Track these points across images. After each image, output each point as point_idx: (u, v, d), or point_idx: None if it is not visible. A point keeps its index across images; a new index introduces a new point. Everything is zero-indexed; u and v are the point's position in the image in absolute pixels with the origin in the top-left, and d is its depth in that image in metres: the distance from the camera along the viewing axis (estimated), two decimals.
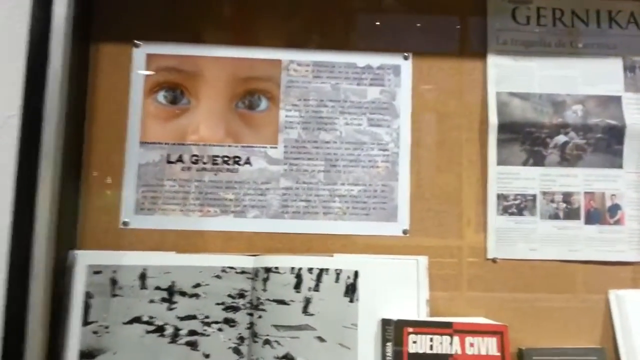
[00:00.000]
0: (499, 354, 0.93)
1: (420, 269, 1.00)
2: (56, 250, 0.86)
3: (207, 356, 0.95)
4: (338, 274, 0.98)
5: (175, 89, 1.05)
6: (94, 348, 0.94)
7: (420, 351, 0.92)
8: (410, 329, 0.93)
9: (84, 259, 0.96)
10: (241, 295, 0.98)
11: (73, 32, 0.88)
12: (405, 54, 1.09)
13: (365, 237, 1.05)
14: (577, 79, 1.10)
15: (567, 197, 1.08)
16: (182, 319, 0.96)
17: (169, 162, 1.04)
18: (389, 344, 0.93)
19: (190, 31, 1.07)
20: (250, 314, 0.97)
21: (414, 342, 0.92)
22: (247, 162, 1.05)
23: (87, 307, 0.94)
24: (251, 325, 0.97)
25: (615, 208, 1.08)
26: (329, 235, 1.05)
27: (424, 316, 0.98)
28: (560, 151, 1.08)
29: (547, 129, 1.08)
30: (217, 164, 1.04)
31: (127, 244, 1.01)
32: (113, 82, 1.04)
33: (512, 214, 1.07)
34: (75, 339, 0.93)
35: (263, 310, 0.96)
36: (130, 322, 0.95)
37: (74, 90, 0.93)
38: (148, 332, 0.95)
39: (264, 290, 0.97)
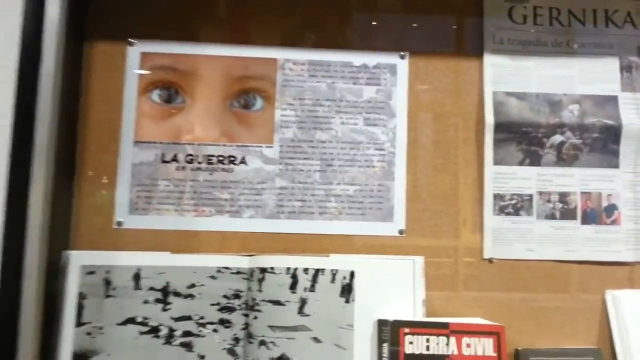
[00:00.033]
0: (495, 354, 0.92)
1: (416, 269, 1.00)
2: (49, 251, 0.86)
3: (202, 357, 0.95)
4: (334, 274, 0.97)
5: (169, 88, 1.05)
6: (88, 349, 0.93)
7: (417, 352, 0.92)
8: (407, 330, 0.93)
9: (78, 259, 0.95)
10: (236, 295, 0.97)
11: (66, 30, 0.88)
12: (402, 53, 1.09)
13: (361, 237, 1.04)
14: (574, 78, 1.10)
15: (563, 197, 1.07)
16: (176, 319, 0.95)
17: (164, 161, 1.03)
18: (385, 344, 0.92)
19: (185, 29, 1.06)
20: (246, 315, 0.97)
21: (411, 342, 0.92)
22: (243, 161, 1.04)
23: (80, 308, 0.94)
24: (246, 326, 0.96)
25: (611, 208, 1.08)
26: (325, 235, 1.04)
27: (420, 317, 0.98)
28: (556, 151, 1.08)
29: (543, 129, 1.08)
30: (212, 163, 1.04)
31: (121, 244, 1.01)
32: (107, 81, 1.04)
33: (508, 214, 1.06)
34: (68, 340, 0.93)
35: (258, 310, 0.96)
36: (124, 323, 0.94)
37: (67, 89, 0.93)
38: (142, 333, 0.94)
39: (260, 290, 0.97)
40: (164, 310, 0.95)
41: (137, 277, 0.96)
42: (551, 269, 1.06)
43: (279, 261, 0.98)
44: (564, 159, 1.08)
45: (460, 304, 1.04)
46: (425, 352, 0.92)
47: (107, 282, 0.95)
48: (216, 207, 1.03)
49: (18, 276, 0.82)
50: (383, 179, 1.06)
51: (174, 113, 1.04)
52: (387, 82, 1.08)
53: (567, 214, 1.07)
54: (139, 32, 1.05)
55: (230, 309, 0.97)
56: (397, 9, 1.10)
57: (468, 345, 0.92)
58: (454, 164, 1.08)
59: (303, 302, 0.96)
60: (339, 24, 1.09)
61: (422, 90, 1.09)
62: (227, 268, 0.98)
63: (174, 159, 1.03)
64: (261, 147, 1.05)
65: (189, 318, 0.96)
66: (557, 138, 1.08)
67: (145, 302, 0.95)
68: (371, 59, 1.08)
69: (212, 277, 0.97)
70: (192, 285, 0.97)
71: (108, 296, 0.95)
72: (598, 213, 1.08)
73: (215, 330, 0.96)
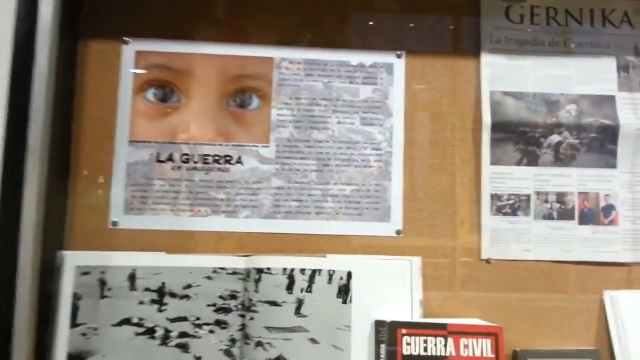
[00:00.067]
0: (493, 355, 0.92)
1: (413, 270, 0.99)
2: (43, 251, 0.85)
3: (198, 358, 0.94)
4: (331, 275, 0.97)
5: (165, 87, 1.04)
6: (83, 350, 0.92)
7: (415, 353, 0.91)
8: (404, 331, 0.92)
9: (72, 260, 0.95)
10: (233, 296, 0.97)
11: (60, 29, 0.87)
12: (398, 52, 1.08)
13: (358, 238, 1.04)
14: (571, 78, 1.10)
15: (561, 197, 1.07)
16: (172, 320, 0.95)
17: (159, 161, 1.03)
18: (382, 345, 0.92)
19: (180, 28, 1.05)
20: (242, 316, 0.96)
21: (408, 343, 0.92)
22: (239, 161, 1.04)
23: (75, 309, 0.93)
24: (243, 327, 0.96)
25: (609, 208, 1.08)
26: (322, 236, 1.04)
27: (417, 317, 0.97)
28: (554, 151, 1.08)
29: (540, 129, 1.07)
30: (207, 163, 1.03)
31: (116, 244, 1.00)
32: (101, 80, 1.03)
33: (506, 214, 1.06)
34: (63, 341, 0.92)
35: (255, 311, 0.95)
36: (120, 324, 0.94)
37: (61, 89, 0.92)
38: (138, 334, 0.94)
39: (256, 291, 0.96)
40: (160, 311, 0.95)
41: (132, 278, 0.95)
42: (549, 270, 1.06)
43: (276, 261, 0.97)
44: (562, 159, 1.08)
45: (458, 305, 1.04)
46: (423, 353, 0.91)
47: (102, 283, 0.94)
48: (212, 207, 1.03)
49: (12, 277, 0.81)
50: (380, 179, 1.05)
51: (169, 112, 1.04)
52: (384, 81, 1.08)
53: (565, 214, 1.07)
54: (134, 31, 1.04)
55: (227, 310, 0.96)
56: (394, 9, 1.09)
57: (466, 346, 0.92)
58: (451, 163, 1.07)
59: (300, 302, 0.96)
60: (336, 23, 1.09)
61: (419, 90, 1.09)
62: (223, 268, 0.97)
63: (170, 159, 1.03)
64: (257, 146, 1.04)
65: (185, 319, 0.95)
66: (555, 138, 1.08)
67: (141, 302, 0.95)
68: (368, 58, 1.08)
69: (208, 277, 0.97)
70: (188, 286, 0.96)
71: (103, 297, 0.94)
72: (595, 213, 1.08)
73: (211, 331, 0.95)
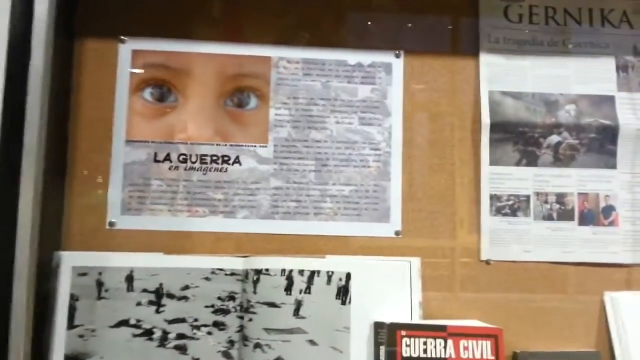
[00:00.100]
0: (493, 357, 0.92)
1: (413, 271, 0.99)
2: (40, 252, 0.84)
3: None
4: (330, 276, 0.97)
5: (162, 86, 1.03)
6: (80, 352, 0.92)
7: (414, 355, 0.91)
8: (404, 333, 0.92)
9: (69, 261, 0.94)
10: (231, 297, 0.96)
11: (55, 28, 0.86)
12: (397, 51, 1.08)
13: (357, 238, 1.04)
14: (570, 78, 1.09)
15: (560, 197, 1.07)
16: (170, 322, 0.94)
17: (156, 161, 1.02)
18: (382, 347, 0.92)
19: (177, 27, 1.05)
20: (241, 317, 0.96)
21: (408, 345, 0.91)
22: (237, 161, 1.03)
23: (72, 310, 0.93)
24: (241, 329, 0.95)
25: (609, 209, 1.07)
26: (320, 236, 1.03)
27: (417, 318, 0.97)
28: (553, 151, 1.07)
29: (540, 129, 1.07)
30: (205, 163, 1.03)
31: (114, 245, 0.99)
32: (98, 79, 1.03)
33: (505, 214, 1.06)
34: (60, 343, 0.92)
35: (253, 313, 0.95)
36: (117, 325, 0.93)
37: (57, 88, 0.92)
38: (135, 335, 0.93)
39: (254, 292, 0.96)
40: (158, 312, 0.94)
41: (129, 279, 0.95)
42: (549, 271, 1.06)
43: (274, 262, 0.97)
44: (561, 159, 1.08)
45: (457, 305, 1.04)
46: (422, 355, 0.91)
47: (100, 284, 0.94)
48: (210, 208, 1.02)
49: (8, 277, 0.81)
50: (379, 179, 1.05)
51: (167, 112, 1.03)
52: (382, 81, 1.07)
53: (565, 215, 1.07)
54: (131, 30, 1.04)
55: (225, 311, 0.96)
56: (392, 9, 1.09)
57: (466, 348, 0.92)
58: (450, 164, 1.07)
59: (298, 304, 0.95)
60: (334, 22, 1.08)
61: (418, 90, 1.08)
62: (221, 269, 0.97)
63: (167, 159, 1.02)
64: (255, 146, 1.04)
65: (182, 320, 0.95)
66: (554, 138, 1.07)
67: (138, 304, 0.94)
68: (366, 57, 1.07)
69: (206, 278, 0.96)
70: (186, 287, 0.96)
71: (100, 298, 0.94)
72: (595, 214, 1.07)
73: (209, 333, 0.95)
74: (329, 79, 1.06)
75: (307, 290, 0.96)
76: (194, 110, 1.03)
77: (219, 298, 0.96)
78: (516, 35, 1.10)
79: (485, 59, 1.09)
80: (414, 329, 0.92)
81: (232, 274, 0.97)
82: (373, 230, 1.04)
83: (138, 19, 1.04)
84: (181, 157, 1.02)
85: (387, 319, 0.93)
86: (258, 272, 0.96)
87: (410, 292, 0.98)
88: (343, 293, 0.96)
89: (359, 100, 1.06)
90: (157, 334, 0.93)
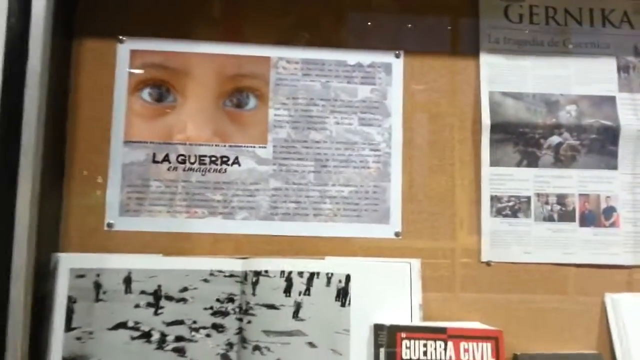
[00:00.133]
0: (493, 359, 0.92)
1: (413, 272, 0.98)
2: (38, 253, 0.84)
3: None
4: (329, 278, 0.96)
5: (160, 87, 1.03)
6: (78, 355, 0.91)
7: (414, 357, 0.91)
8: (404, 335, 0.92)
9: (67, 262, 0.94)
10: (230, 299, 0.96)
11: (53, 27, 0.86)
12: (397, 52, 1.08)
13: (356, 240, 1.03)
14: (571, 78, 1.09)
15: (561, 199, 1.07)
16: (168, 324, 0.94)
17: (155, 161, 1.02)
18: (381, 349, 0.91)
19: (176, 27, 1.04)
20: (240, 319, 0.95)
21: (407, 347, 0.91)
22: (236, 162, 1.03)
23: (70, 312, 0.92)
24: (240, 331, 0.95)
25: (610, 210, 1.07)
26: (320, 238, 1.03)
27: (417, 320, 0.97)
28: (554, 152, 1.07)
29: (540, 130, 1.07)
30: (204, 163, 1.02)
31: (112, 246, 0.99)
32: (96, 79, 1.02)
33: (506, 215, 1.06)
34: (58, 345, 0.91)
35: (252, 315, 0.95)
36: (115, 327, 0.93)
37: (55, 88, 0.91)
38: (133, 338, 0.93)
39: (254, 294, 0.95)
40: (156, 314, 0.94)
41: (128, 281, 0.94)
42: (549, 272, 1.05)
43: (273, 264, 0.97)
44: (562, 160, 1.07)
45: (458, 307, 1.04)
46: (422, 357, 0.91)
47: (98, 286, 0.93)
48: (209, 209, 1.02)
49: (6, 279, 0.80)
50: (378, 180, 1.05)
51: (166, 112, 1.03)
52: (382, 81, 1.07)
53: (565, 216, 1.06)
54: (129, 29, 1.03)
55: (224, 313, 0.95)
56: (392, 9, 1.09)
57: (466, 350, 0.92)
58: (450, 165, 1.07)
59: (298, 306, 0.95)
60: (334, 22, 1.08)
61: (418, 90, 1.08)
62: (220, 271, 0.96)
63: (166, 159, 1.02)
64: (254, 147, 1.03)
65: (181, 322, 0.94)
66: (555, 139, 1.07)
67: (137, 306, 0.94)
68: (366, 57, 1.07)
69: (205, 280, 0.96)
70: (185, 289, 0.95)
71: (98, 300, 0.93)
72: (596, 215, 1.07)
73: (208, 335, 0.94)
74: (329, 79, 1.06)
75: (307, 292, 0.95)
76: (192, 110, 1.03)
77: (218, 300, 0.95)
78: (516, 36, 1.10)
79: (485, 59, 1.09)
80: (414, 331, 0.92)
81: (231, 276, 0.97)
82: (373, 231, 1.04)
83: (137, 18, 1.03)
84: (180, 158, 1.02)
85: (387, 321, 0.93)
86: (257, 273, 0.96)
87: (410, 293, 0.98)
88: (343, 295, 0.96)
89: (359, 101, 1.06)
90: (156, 336, 0.93)
